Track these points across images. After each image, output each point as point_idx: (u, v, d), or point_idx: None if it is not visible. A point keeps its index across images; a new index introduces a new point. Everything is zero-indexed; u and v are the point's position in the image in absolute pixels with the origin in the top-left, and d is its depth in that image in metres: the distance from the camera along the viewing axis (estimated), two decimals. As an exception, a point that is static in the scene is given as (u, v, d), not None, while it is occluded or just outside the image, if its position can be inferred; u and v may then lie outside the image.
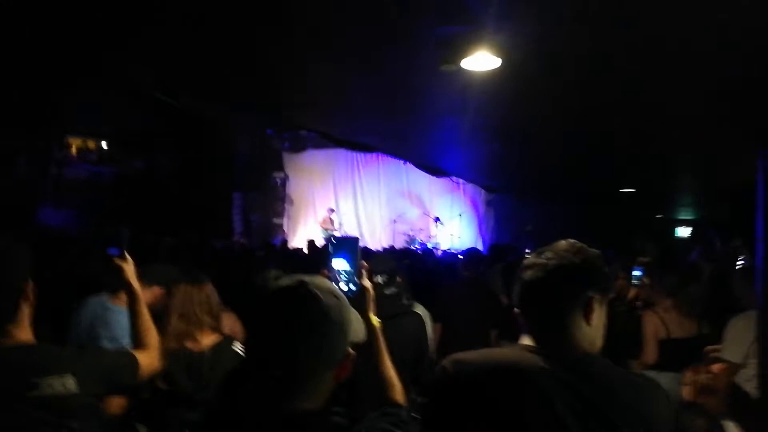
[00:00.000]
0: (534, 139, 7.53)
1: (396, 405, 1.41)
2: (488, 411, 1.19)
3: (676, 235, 17.00)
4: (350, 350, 1.21)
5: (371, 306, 1.53)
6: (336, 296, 1.19)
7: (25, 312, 1.58)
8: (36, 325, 1.65)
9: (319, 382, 1.16)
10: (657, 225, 16.92)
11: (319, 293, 1.14)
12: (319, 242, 11.93)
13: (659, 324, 4.18)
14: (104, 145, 11.95)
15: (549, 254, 1.40)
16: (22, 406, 1.44)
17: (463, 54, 4.01)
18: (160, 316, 2.60)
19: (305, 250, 8.77)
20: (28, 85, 7.97)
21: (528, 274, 1.40)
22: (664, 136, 6.24)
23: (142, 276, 2.56)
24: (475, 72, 4.52)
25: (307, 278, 1.18)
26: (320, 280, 1.21)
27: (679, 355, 3.89)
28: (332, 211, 13.24)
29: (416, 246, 13.16)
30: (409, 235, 14.12)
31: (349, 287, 1.51)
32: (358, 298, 1.48)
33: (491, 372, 1.24)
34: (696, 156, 7.37)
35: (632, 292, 4.84)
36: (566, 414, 1.16)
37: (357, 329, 1.28)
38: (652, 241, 12.44)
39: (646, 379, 1.31)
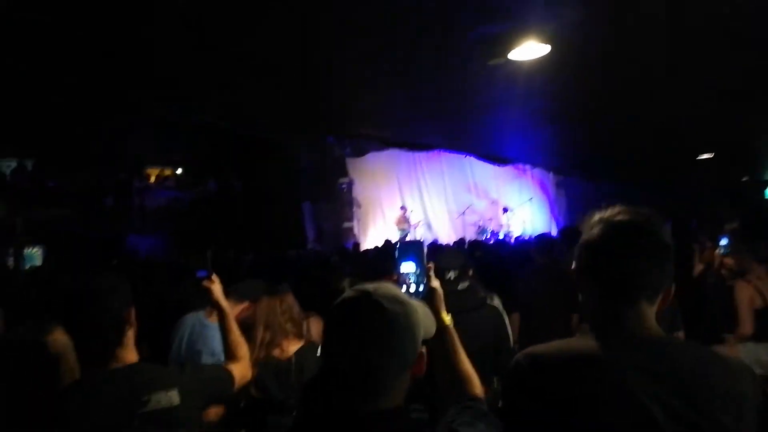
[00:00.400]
0: (596, 116, 7.28)
1: (475, 398, 1.44)
2: (565, 404, 1.17)
3: (765, 197, 15.85)
4: (423, 349, 1.25)
5: (441, 304, 1.56)
6: (400, 302, 1.22)
7: (130, 335, 1.75)
8: (137, 345, 1.82)
9: (394, 383, 1.19)
10: (743, 189, 15.84)
11: (383, 302, 1.18)
12: (394, 241, 12.09)
13: (754, 293, 3.99)
14: (179, 171, 12.61)
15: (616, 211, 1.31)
16: (135, 422, 1.59)
17: (509, 47, 3.98)
18: (249, 328, 2.78)
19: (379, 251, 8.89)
20: (103, 124, 8.54)
21: (596, 231, 1.30)
22: (738, 92, 5.87)
23: (229, 293, 2.75)
24: (523, 61, 4.47)
25: (371, 287, 1.22)
26: (385, 288, 1.24)
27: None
28: (405, 209, 13.33)
29: (487, 236, 13.04)
30: (479, 226, 14.00)
31: (417, 289, 1.55)
32: (427, 299, 1.53)
33: (565, 364, 1.22)
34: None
35: (718, 260, 4.61)
36: (650, 403, 1.13)
37: (428, 327, 1.32)
38: (738, 206, 11.70)
39: (730, 358, 1.25)
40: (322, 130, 8.27)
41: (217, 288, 2.11)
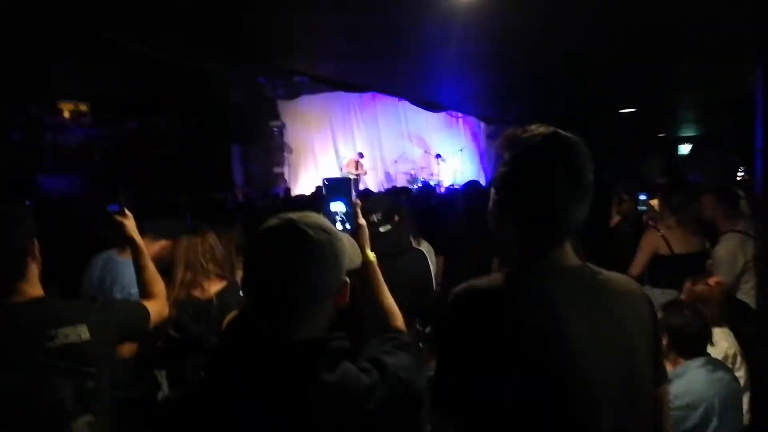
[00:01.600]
0: (527, 64, 7.35)
1: (397, 330, 1.46)
2: (501, 331, 1.18)
3: (678, 153, 16.85)
4: (346, 279, 1.27)
5: (366, 242, 1.57)
6: (326, 230, 1.22)
7: (33, 269, 1.65)
8: (46, 285, 1.72)
9: (317, 311, 1.21)
10: (660, 144, 16.74)
11: (307, 229, 1.18)
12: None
13: (660, 241, 4.25)
14: (96, 107, 11.82)
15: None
16: (41, 357, 1.52)
17: None
18: (168, 268, 2.69)
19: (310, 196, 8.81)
20: (15, 55, 7.84)
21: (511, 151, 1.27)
22: (660, 47, 6.07)
23: (146, 231, 2.63)
24: (455, 2, 4.42)
25: (296, 215, 1.22)
26: (310, 216, 1.24)
27: (682, 270, 3.99)
28: (361, 155, 13.18)
29: (418, 185, 13.19)
30: (411, 175, 14.12)
31: (344, 227, 1.55)
32: (354, 236, 1.52)
33: (501, 293, 1.24)
34: (695, 68, 7.20)
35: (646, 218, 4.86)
36: (581, 327, 1.18)
37: (352, 256, 1.34)
38: (656, 161, 12.40)
39: (636, 285, 1.32)
40: (251, 59, 7.84)
41: (129, 223, 2.02)
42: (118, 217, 2.01)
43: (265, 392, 1.14)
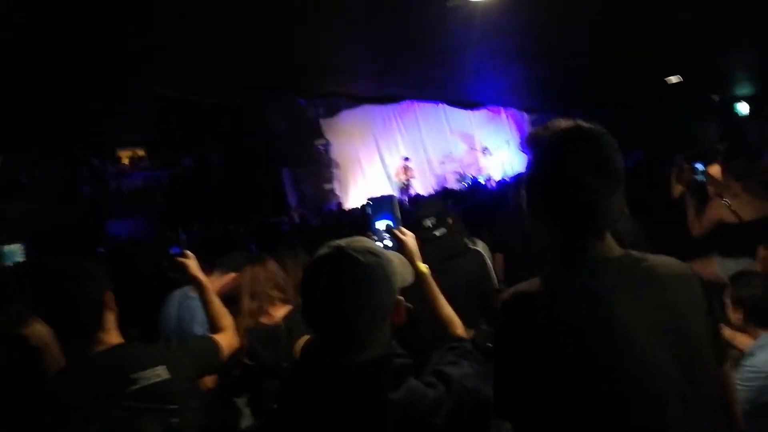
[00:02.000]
0: (560, 50, 7.22)
1: (458, 339, 1.48)
2: (554, 334, 1.17)
3: (736, 113, 15.97)
4: (400, 298, 1.29)
5: (415, 254, 1.59)
6: (374, 253, 1.25)
7: (110, 319, 1.76)
8: (127, 328, 1.83)
9: (376, 333, 1.24)
10: (715, 106, 15.92)
11: (356, 255, 1.21)
12: (386, 194, 12.04)
13: (726, 210, 4.07)
14: (152, 151, 12.41)
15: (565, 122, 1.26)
16: (125, 401, 1.62)
17: None
18: (237, 299, 2.81)
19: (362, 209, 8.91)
20: (72, 111, 8.32)
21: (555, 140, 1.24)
22: (700, 17, 5.84)
23: (214, 268, 2.75)
24: (480, 1, 4.42)
25: (343, 242, 1.26)
26: (357, 241, 1.28)
27: (753, 237, 3.80)
28: (407, 159, 13.26)
29: (467, 182, 13.08)
30: (459, 173, 14.03)
31: (389, 244, 1.60)
32: (400, 251, 1.56)
33: (548, 296, 1.22)
34: (735, 29, 6.85)
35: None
36: (633, 320, 1.15)
37: (404, 275, 1.37)
38: (713, 125, 11.79)
39: (683, 267, 1.27)
40: (290, 91, 8.13)
41: (191, 263, 2.13)
42: (180, 259, 2.11)
43: (335, 416, 1.17)
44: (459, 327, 1.54)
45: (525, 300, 1.26)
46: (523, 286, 1.28)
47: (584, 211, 1.21)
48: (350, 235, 1.47)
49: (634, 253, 1.27)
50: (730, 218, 4.04)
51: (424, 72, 7.68)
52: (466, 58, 7.06)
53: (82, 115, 8.72)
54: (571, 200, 1.22)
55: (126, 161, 12.59)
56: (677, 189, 5.34)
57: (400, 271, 1.34)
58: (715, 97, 15.63)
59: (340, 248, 1.23)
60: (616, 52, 7.53)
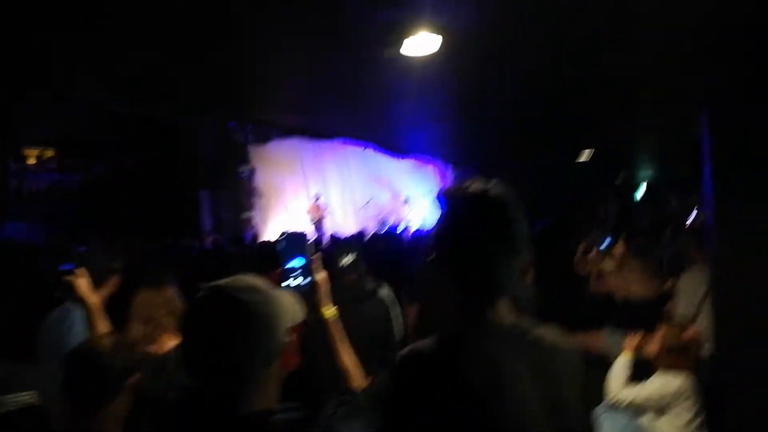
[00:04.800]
0: (486, 109, 7.63)
1: (353, 392, 1.47)
2: (444, 393, 1.21)
3: (635, 199, 17.38)
4: (290, 339, 1.23)
5: (325, 297, 1.57)
6: (258, 290, 1.19)
7: None
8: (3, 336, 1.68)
9: (263, 379, 1.17)
10: (617, 190, 17.28)
11: (237, 294, 1.15)
12: (306, 230, 11.97)
13: (620, 284, 4.34)
14: (62, 153, 11.71)
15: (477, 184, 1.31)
16: None
17: (402, 37, 4.11)
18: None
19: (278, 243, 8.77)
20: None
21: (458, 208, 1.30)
22: (614, 96, 6.38)
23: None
24: (416, 57, 4.63)
25: (224, 281, 1.19)
26: (240, 279, 1.21)
27: (642, 314, 4.07)
28: (318, 197, 13.22)
29: (386, 229, 13.26)
30: (380, 219, 14.21)
31: (302, 281, 1.55)
32: (310, 291, 1.54)
33: (443, 356, 1.26)
34: (651, 110, 7.54)
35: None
36: (519, 386, 1.21)
37: (293, 312, 1.29)
38: (613, 205, 12.80)
39: (563, 342, 1.35)
40: (220, 111, 7.99)
41: (81, 282, 2.01)
42: (69, 277, 1.98)
43: None
44: (357, 379, 1.52)
45: (420, 357, 1.28)
46: (420, 343, 1.31)
47: (480, 276, 1.26)
48: (266, 266, 1.45)
49: (524, 323, 1.33)
50: (622, 293, 4.32)
51: (356, 114, 7.86)
52: (397, 108, 7.32)
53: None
54: (468, 265, 1.27)
55: (32, 160, 11.80)
56: (590, 266, 5.64)
57: (290, 309, 1.27)
58: (619, 179, 16.96)
59: (218, 288, 1.17)
60: (538, 117, 8.04)
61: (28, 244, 8.91)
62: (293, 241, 1.60)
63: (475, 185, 1.31)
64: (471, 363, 1.23)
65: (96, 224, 10.37)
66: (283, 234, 1.61)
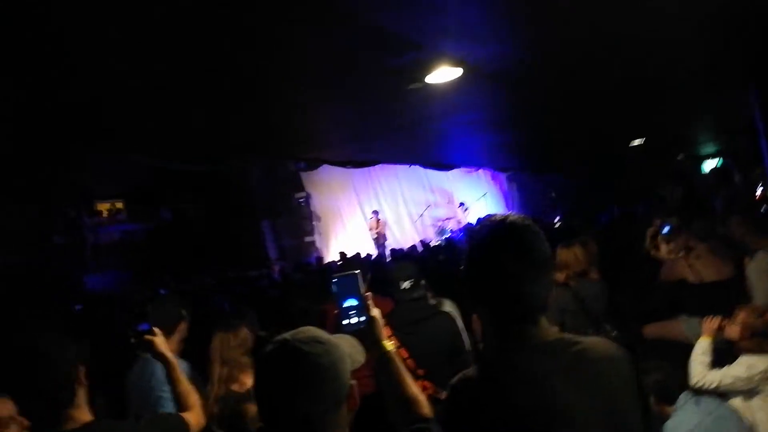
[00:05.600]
0: (523, 122, 7.59)
1: (424, 419, 1.47)
2: (499, 418, 1.24)
3: (702, 173, 16.55)
4: (353, 382, 1.30)
5: (381, 332, 1.61)
6: (320, 341, 1.27)
7: (81, 395, 1.76)
8: (96, 390, 1.80)
9: (332, 422, 1.24)
10: (681, 166, 16.53)
11: (301, 346, 1.23)
12: (368, 247, 12.16)
13: (687, 270, 4.20)
14: (130, 203, 12.32)
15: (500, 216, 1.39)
16: None
17: (424, 73, 4.28)
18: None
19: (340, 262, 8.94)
20: (49, 159, 8.29)
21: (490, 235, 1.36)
22: (658, 84, 6.17)
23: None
24: (439, 84, 4.76)
25: (288, 335, 1.28)
26: (302, 332, 1.29)
27: (715, 298, 3.92)
28: (376, 213, 13.43)
29: (446, 236, 13.23)
30: (438, 227, 14.20)
31: (359, 320, 1.60)
32: (367, 329, 1.58)
33: (492, 382, 1.30)
34: (697, 96, 7.24)
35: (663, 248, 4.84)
36: (572, 402, 1.22)
37: (354, 356, 1.38)
38: (678, 185, 12.27)
39: (613, 349, 1.35)
40: (267, 155, 8.37)
41: (159, 340, 2.13)
42: (149, 336, 2.11)
43: None
44: (425, 406, 1.52)
45: (469, 385, 1.33)
46: (469, 371, 1.36)
47: (512, 298, 1.31)
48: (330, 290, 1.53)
49: (567, 336, 1.36)
50: (692, 278, 4.17)
51: (395, 141, 8.03)
52: (432, 129, 7.40)
53: (56, 163, 8.68)
54: (498, 290, 1.32)
55: (105, 214, 12.50)
56: (662, 247, 5.47)
57: (350, 353, 1.35)
58: (681, 156, 16.24)
59: (284, 342, 1.25)
60: (578, 117, 7.89)
61: (107, 295, 9.44)
62: (345, 283, 1.64)
63: (495, 217, 1.40)
64: (518, 385, 1.26)
65: (166, 269, 10.86)
66: (334, 278, 1.67)
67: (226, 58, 3.75)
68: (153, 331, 2.13)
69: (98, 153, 6.38)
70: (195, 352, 2.93)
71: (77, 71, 3.66)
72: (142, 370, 2.76)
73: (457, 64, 4.27)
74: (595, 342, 1.36)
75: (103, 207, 12.48)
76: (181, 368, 2.30)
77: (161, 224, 12.54)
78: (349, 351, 1.36)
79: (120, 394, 2.97)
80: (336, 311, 1.64)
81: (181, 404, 2.11)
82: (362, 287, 1.64)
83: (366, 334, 1.58)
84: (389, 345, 1.60)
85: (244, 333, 2.87)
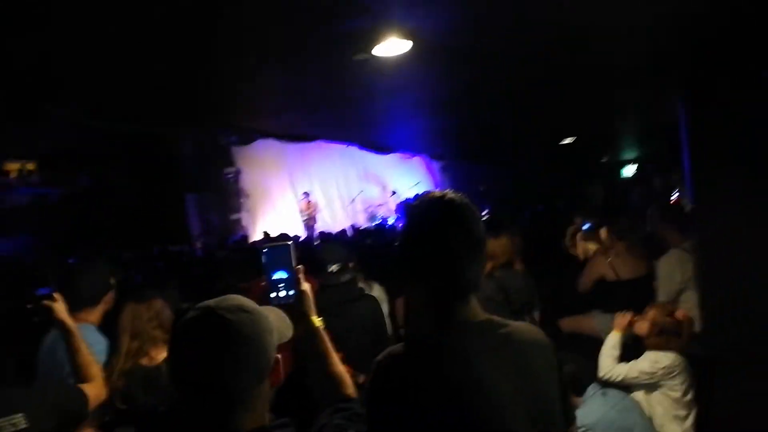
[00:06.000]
0: (464, 107, 7.67)
1: (347, 399, 1.45)
2: (421, 395, 1.23)
3: (622, 176, 17.53)
4: (277, 356, 1.24)
5: (311, 308, 1.56)
6: (246, 310, 1.20)
7: None
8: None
9: (253, 396, 1.18)
10: (603, 168, 17.44)
11: (225, 314, 1.16)
12: (299, 229, 11.97)
13: (606, 268, 4.39)
14: (43, 166, 11.56)
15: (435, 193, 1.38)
16: None
17: (373, 43, 4.15)
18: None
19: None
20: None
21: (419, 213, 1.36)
22: (592, 83, 6.41)
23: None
24: (387, 57, 4.64)
25: (213, 302, 1.20)
26: (228, 299, 1.22)
27: (629, 294, 4.12)
28: (307, 194, 13.21)
29: (377, 222, 13.27)
30: (369, 213, 14.22)
31: (287, 293, 1.54)
32: (297, 302, 1.53)
33: (417, 359, 1.28)
34: (627, 98, 7.60)
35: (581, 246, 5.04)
36: (496, 382, 1.23)
37: (282, 330, 1.33)
38: (599, 186, 12.97)
39: (538, 334, 1.39)
40: (201, 122, 8.00)
41: (59, 306, 1.98)
42: (47, 302, 1.97)
43: None
44: (349, 386, 1.50)
45: (396, 360, 1.31)
46: (396, 348, 1.34)
47: (448, 276, 1.30)
48: (255, 268, 1.45)
49: (496, 318, 1.36)
50: (610, 275, 4.37)
51: (335, 116, 7.88)
52: (374, 107, 7.33)
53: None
54: (436, 267, 1.30)
55: (14, 175, 11.64)
56: (580, 247, 5.69)
57: (278, 326, 1.29)
58: (604, 159, 17.11)
59: (207, 309, 1.18)
60: (517, 110, 8.08)
61: (13, 261, 8.83)
62: (276, 254, 1.57)
63: (435, 193, 1.38)
64: (445, 362, 1.25)
65: (81, 237, 10.29)
66: (264, 248, 1.59)
67: (164, 19, 3.53)
68: (53, 296, 1.98)
69: (16, 107, 5.88)
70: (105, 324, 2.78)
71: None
72: (53, 350, 2.58)
73: (407, 35, 4.17)
74: (522, 326, 1.38)
75: (13, 167, 11.63)
76: (97, 342, 2.16)
77: (78, 190, 11.83)
78: (277, 324, 1.29)
79: (31, 361, 2.77)
80: (263, 283, 1.57)
81: (80, 375, 1.98)
82: (294, 260, 1.57)
83: (294, 308, 1.52)
84: (317, 321, 1.56)
85: (158, 305, 2.73)
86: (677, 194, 6.66)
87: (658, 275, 4.12)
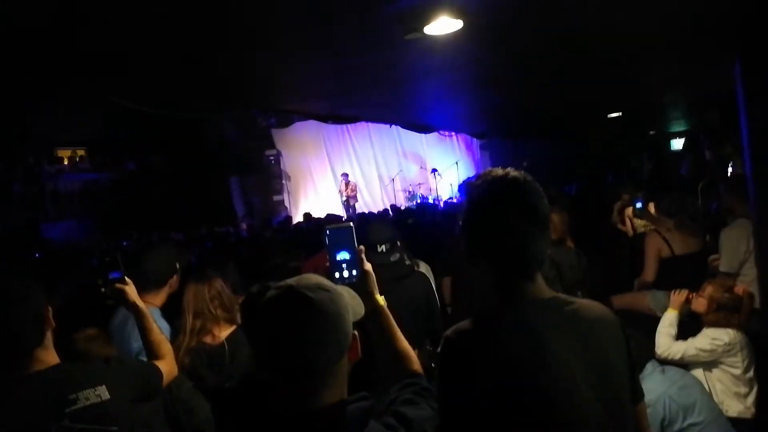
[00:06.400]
0: (512, 84, 7.52)
1: (414, 374, 1.46)
2: (494, 371, 1.25)
3: (670, 149, 16.97)
4: (355, 332, 1.27)
5: (375, 287, 1.58)
6: (325, 288, 1.22)
7: (49, 336, 1.73)
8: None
9: (334, 372, 1.20)
10: (651, 141, 16.90)
11: (307, 292, 1.18)
12: (336, 210, 12.07)
13: (662, 244, 4.29)
14: (93, 152, 11.93)
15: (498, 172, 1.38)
16: (65, 421, 1.58)
17: (423, 23, 4.11)
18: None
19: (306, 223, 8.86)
20: (6, 107, 7.93)
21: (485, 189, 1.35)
22: (639, 54, 6.19)
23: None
24: (438, 36, 4.58)
25: (292, 281, 1.22)
26: (306, 278, 1.24)
27: (684, 271, 4.03)
28: (346, 175, 13.32)
29: (417, 201, 13.24)
30: (409, 192, 14.20)
31: (351, 274, 1.56)
32: (360, 283, 1.55)
33: (488, 335, 1.30)
34: (677, 67, 7.31)
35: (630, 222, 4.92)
36: (568, 357, 1.24)
37: (356, 308, 1.35)
38: (647, 159, 12.60)
39: (605, 311, 1.39)
40: (243, 105, 8.07)
41: (130, 289, 2.07)
42: (119, 285, 2.06)
43: None
44: (415, 362, 1.52)
45: (464, 335, 1.33)
46: (463, 324, 1.36)
47: (513, 254, 1.32)
48: (303, 248, 1.47)
49: (562, 295, 1.37)
50: (665, 251, 4.27)
51: (377, 97, 7.81)
52: (419, 87, 7.24)
53: (18, 111, 8.33)
54: (501, 245, 1.32)
55: (65, 161, 12.05)
56: (628, 223, 5.56)
57: (352, 304, 1.32)
58: (652, 132, 16.58)
59: (290, 287, 1.19)
60: (564, 85, 7.88)
61: (71, 244, 9.19)
62: (339, 235, 1.59)
63: (495, 171, 1.38)
64: (514, 337, 1.27)
65: (130, 220, 10.61)
66: (327, 229, 1.61)
67: (213, 2, 3.55)
68: (125, 279, 2.06)
69: (68, 93, 6.05)
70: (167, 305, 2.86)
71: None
72: (124, 320, 2.67)
73: (457, 14, 4.12)
74: (589, 303, 1.39)
75: (65, 154, 12.05)
76: (160, 324, 2.24)
77: (125, 175, 12.18)
78: (351, 302, 1.32)
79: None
80: (327, 264, 1.60)
81: (152, 353, 2.07)
82: (355, 241, 1.59)
83: (358, 288, 1.53)
84: (381, 300, 1.58)
85: (218, 285, 2.81)
86: (731, 167, 6.41)
87: (721, 245, 3.99)
